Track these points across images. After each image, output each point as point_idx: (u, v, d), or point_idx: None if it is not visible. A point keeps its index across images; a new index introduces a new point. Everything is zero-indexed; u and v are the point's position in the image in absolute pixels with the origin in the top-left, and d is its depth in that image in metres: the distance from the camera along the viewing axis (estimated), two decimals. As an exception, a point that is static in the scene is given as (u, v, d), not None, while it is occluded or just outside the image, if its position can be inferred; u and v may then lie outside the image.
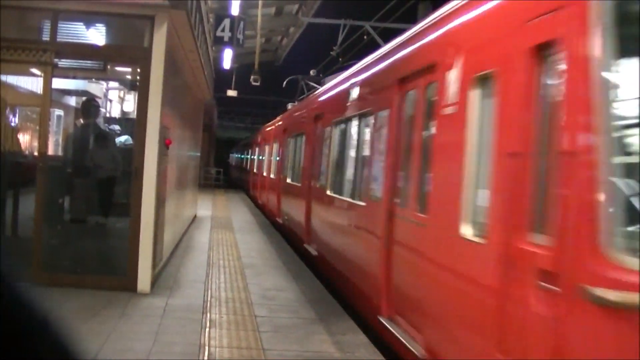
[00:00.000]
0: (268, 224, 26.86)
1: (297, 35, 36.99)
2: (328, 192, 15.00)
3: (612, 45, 4.99)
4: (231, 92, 37.04)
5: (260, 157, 36.33)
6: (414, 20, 11.79)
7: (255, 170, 38.69)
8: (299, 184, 19.46)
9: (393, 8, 27.38)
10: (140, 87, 11.98)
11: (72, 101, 15.97)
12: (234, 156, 73.26)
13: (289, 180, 21.92)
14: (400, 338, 8.76)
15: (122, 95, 17.20)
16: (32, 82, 13.22)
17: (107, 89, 16.68)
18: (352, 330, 10.56)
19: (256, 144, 40.71)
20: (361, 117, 12.60)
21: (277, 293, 12.94)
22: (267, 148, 32.67)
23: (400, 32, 11.36)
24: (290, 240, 20.70)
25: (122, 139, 13.94)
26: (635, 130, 5.22)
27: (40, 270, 11.51)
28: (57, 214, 12.60)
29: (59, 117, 15.38)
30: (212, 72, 25.82)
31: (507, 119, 6.22)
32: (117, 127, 14.56)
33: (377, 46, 16.24)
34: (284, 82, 36.27)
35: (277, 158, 26.61)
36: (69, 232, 12.75)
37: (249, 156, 49.60)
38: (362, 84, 12.88)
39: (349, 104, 13.46)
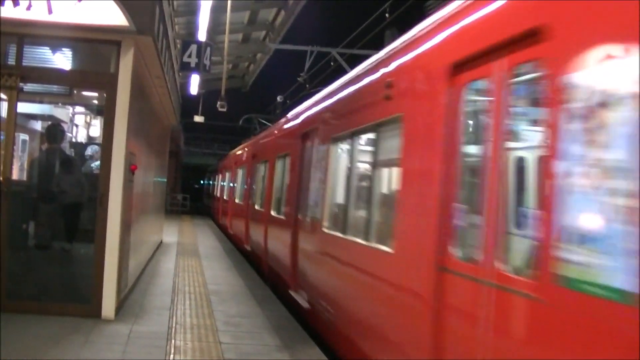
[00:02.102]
0: (234, 250, 26.81)
1: (264, 61, 37.07)
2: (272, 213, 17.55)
3: None
4: (198, 118, 36.98)
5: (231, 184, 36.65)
6: (380, 46, 11.76)
7: (224, 197, 38.83)
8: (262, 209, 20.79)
9: (360, 34, 27.55)
10: (106, 112, 11.91)
11: (38, 126, 15.89)
12: (203, 182, 73.62)
13: (256, 207, 22.64)
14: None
15: (88, 120, 17.12)
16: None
17: (74, 114, 16.60)
18: (318, 358, 10.53)
19: (225, 170, 40.95)
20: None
21: (242, 320, 12.88)
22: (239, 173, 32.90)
23: (366, 58, 11.30)
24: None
25: (97, 163, 13.88)
26: None
27: (4, 298, 11.40)
28: (22, 240, 12.47)
29: (24, 141, 15.27)
30: (179, 98, 25.78)
31: None
32: (96, 148, 14.42)
33: (343, 72, 16.38)
34: (241, 121, 36.67)
35: (245, 185, 27.72)
36: (34, 258, 12.62)
37: (216, 182, 49.74)
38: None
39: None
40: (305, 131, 14.60)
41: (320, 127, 13.26)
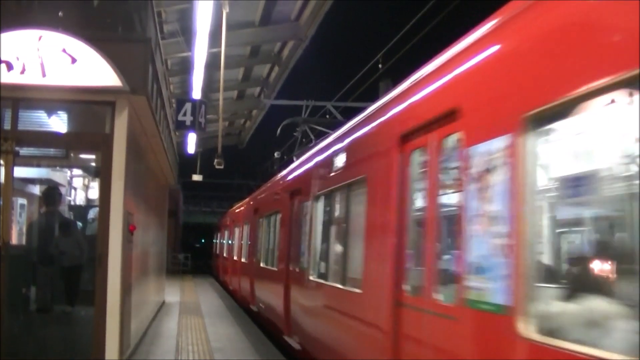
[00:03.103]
0: (236, 307, 26.72)
1: (259, 117, 37.21)
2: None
3: None
4: (196, 177, 37.01)
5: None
6: (375, 97, 11.87)
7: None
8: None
9: (354, 86, 27.65)
10: (102, 172, 11.92)
11: (36, 190, 15.87)
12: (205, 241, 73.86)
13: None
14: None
15: (86, 182, 17.12)
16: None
17: (71, 177, 16.60)
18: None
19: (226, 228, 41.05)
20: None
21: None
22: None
23: (360, 109, 11.54)
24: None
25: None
26: None
27: (4, 360, 11.32)
28: (23, 304, 12.41)
29: (22, 205, 15.26)
30: (175, 157, 25.85)
31: None
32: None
33: (339, 124, 16.45)
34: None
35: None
36: (35, 321, 12.54)
37: (217, 240, 49.73)
38: None
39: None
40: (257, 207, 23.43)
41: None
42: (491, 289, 5.66)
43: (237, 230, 30.54)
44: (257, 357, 14.85)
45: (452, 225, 6.74)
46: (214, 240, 51.87)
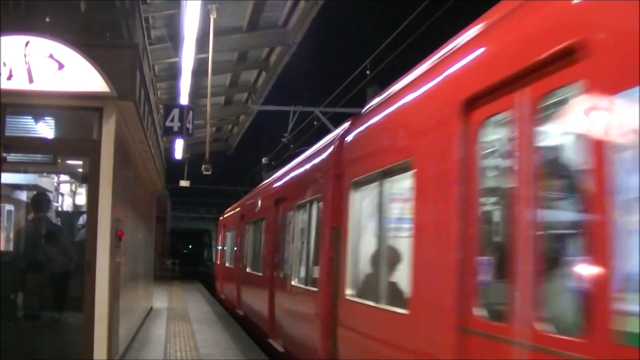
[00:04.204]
0: (225, 314, 26.66)
1: (247, 123, 37.18)
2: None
3: None
4: (184, 183, 36.93)
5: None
6: (362, 103, 11.91)
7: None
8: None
9: (342, 92, 27.65)
10: (90, 179, 11.87)
11: (23, 196, 15.81)
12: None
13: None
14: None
15: (73, 188, 17.06)
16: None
17: (59, 183, 16.54)
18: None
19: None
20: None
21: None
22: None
23: (348, 115, 11.93)
24: None
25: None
26: None
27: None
28: (10, 311, 12.35)
29: (9, 212, 15.20)
30: (163, 162, 25.79)
31: None
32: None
33: (327, 130, 16.54)
34: None
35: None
36: (23, 328, 12.49)
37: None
38: None
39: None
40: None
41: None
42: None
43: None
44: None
45: (294, 246, 13.27)
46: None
